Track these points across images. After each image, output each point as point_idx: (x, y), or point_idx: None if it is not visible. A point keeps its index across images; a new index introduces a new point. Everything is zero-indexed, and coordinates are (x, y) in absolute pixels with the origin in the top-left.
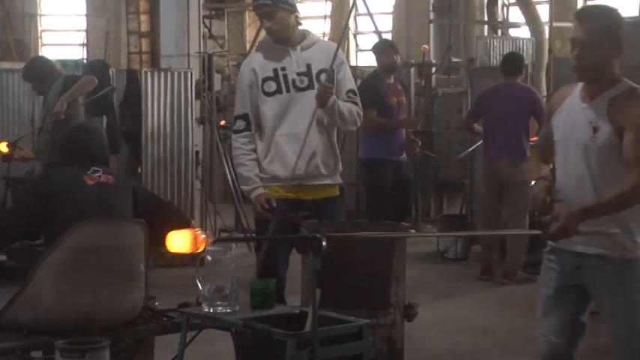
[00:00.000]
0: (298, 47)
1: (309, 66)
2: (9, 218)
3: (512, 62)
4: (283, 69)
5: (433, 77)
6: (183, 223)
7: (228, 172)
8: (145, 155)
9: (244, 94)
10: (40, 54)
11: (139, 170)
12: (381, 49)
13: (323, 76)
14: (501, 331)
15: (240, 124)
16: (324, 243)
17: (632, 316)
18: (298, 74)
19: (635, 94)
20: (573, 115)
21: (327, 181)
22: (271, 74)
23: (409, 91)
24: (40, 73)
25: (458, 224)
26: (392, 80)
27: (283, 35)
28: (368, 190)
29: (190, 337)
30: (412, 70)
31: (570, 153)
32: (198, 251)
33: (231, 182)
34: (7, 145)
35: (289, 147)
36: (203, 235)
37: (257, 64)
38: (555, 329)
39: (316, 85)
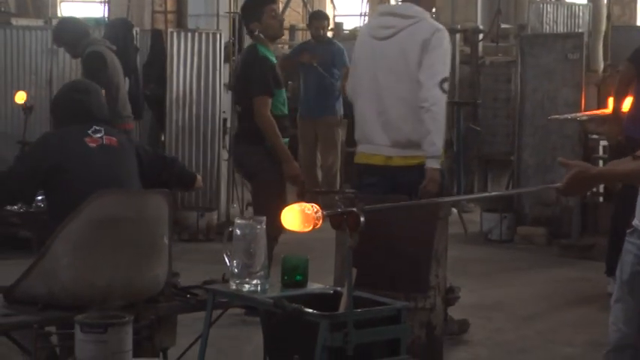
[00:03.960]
0: None
1: None
2: None
3: None
4: None
5: (480, 44)
6: (188, 179)
7: None
8: (169, 122)
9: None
10: (58, 11)
11: (163, 138)
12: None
13: None
14: (547, 320)
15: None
16: (362, 219)
17: None
18: None
19: None
20: None
21: None
22: None
23: (454, 59)
24: (73, 36)
25: (503, 204)
26: None
27: None
28: None
29: (216, 316)
30: (457, 36)
31: None
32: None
33: None
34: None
35: None
36: (318, 213)
37: None
38: (626, 317)
39: None
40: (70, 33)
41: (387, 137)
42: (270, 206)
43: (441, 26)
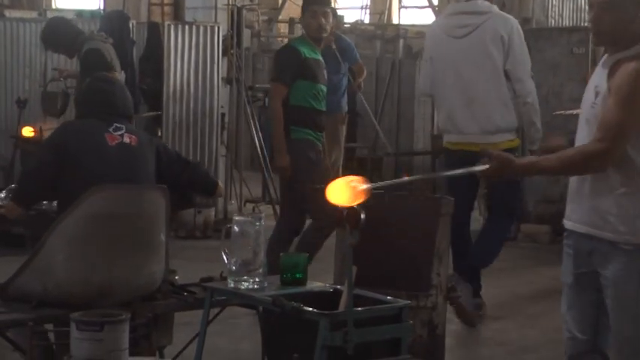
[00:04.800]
0: None
1: None
2: (30, 176)
3: None
4: None
5: None
6: (210, 186)
7: (256, 137)
8: (165, 116)
9: None
10: (52, 3)
11: (159, 133)
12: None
13: None
14: (550, 319)
15: None
16: (362, 215)
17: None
18: None
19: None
20: (591, 80)
21: None
22: None
23: None
24: (67, 38)
25: None
26: None
27: None
28: None
29: (213, 314)
30: None
31: (580, 121)
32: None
33: (259, 148)
34: (34, 131)
35: None
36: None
37: None
38: (579, 324)
39: None
40: (63, 36)
41: (476, 126)
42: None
43: (511, 17)
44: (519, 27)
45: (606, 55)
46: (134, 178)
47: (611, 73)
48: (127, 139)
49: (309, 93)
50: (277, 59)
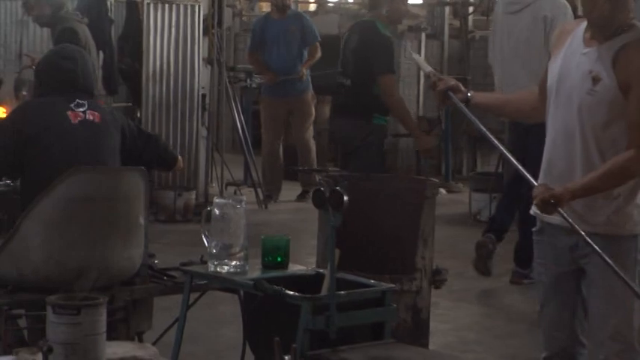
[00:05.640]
0: None
1: None
2: None
3: None
4: None
5: (470, 18)
6: (170, 160)
7: (237, 119)
8: (145, 97)
9: None
10: None
11: (138, 114)
12: None
13: None
14: (537, 304)
15: None
16: (345, 197)
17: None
18: None
19: None
20: (572, 60)
21: None
22: None
23: (442, 33)
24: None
25: (493, 184)
26: None
27: None
28: None
29: (193, 298)
30: (447, 9)
31: (561, 105)
32: None
33: (240, 130)
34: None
35: None
36: None
37: None
38: (556, 322)
39: None
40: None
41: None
42: None
43: (562, 1)
44: (570, 11)
45: (587, 31)
46: (99, 156)
47: (617, 61)
48: (90, 116)
49: None
50: (381, 49)
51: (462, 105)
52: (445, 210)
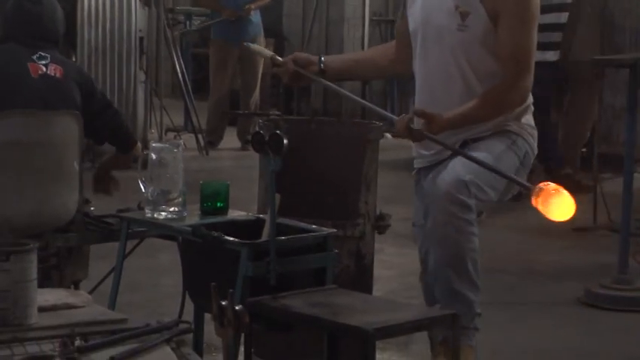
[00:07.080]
0: None
1: None
2: None
3: None
4: None
5: None
6: (129, 143)
7: (177, 63)
8: (80, 41)
9: None
10: None
11: (74, 58)
12: None
13: None
14: (486, 248)
15: None
16: (285, 141)
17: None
18: None
19: None
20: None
21: None
22: None
23: None
24: None
25: None
26: None
27: None
28: None
29: (131, 246)
30: None
31: (431, 48)
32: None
33: (180, 75)
34: None
35: None
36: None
37: None
38: (421, 212)
39: None
40: None
41: None
42: None
43: None
44: None
45: None
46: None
47: None
48: (51, 71)
49: None
50: None
51: (317, 78)
52: (390, 155)
